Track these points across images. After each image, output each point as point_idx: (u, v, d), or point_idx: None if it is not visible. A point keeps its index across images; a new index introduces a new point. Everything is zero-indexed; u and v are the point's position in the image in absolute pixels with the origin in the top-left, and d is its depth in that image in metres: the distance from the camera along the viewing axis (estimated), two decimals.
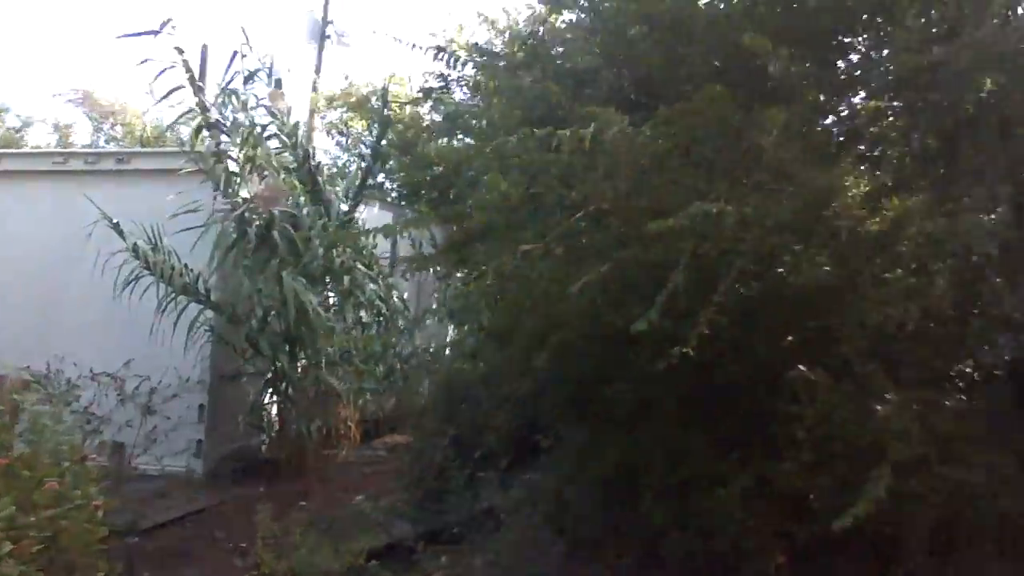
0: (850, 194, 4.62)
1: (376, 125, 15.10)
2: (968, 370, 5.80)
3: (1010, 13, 5.52)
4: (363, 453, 11.05)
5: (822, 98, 6.08)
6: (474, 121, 8.32)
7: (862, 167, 5.62)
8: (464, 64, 7.61)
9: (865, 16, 6.18)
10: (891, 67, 6.08)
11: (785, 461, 5.07)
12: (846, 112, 6.24)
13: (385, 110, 12.90)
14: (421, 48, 7.05)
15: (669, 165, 5.29)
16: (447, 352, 10.06)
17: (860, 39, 6.38)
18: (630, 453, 5.22)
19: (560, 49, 8.47)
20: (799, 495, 5.08)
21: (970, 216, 5.12)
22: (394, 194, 15.87)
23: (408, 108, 15.63)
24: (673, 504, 5.26)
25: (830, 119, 5.78)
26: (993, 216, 5.43)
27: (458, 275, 7.40)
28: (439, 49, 6.93)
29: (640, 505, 5.27)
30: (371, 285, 10.95)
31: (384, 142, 11.69)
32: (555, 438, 6.53)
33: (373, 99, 22.75)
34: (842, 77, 5.63)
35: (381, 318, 11.08)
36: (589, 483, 5.47)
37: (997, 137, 5.99)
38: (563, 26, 8.74)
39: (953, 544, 4.92)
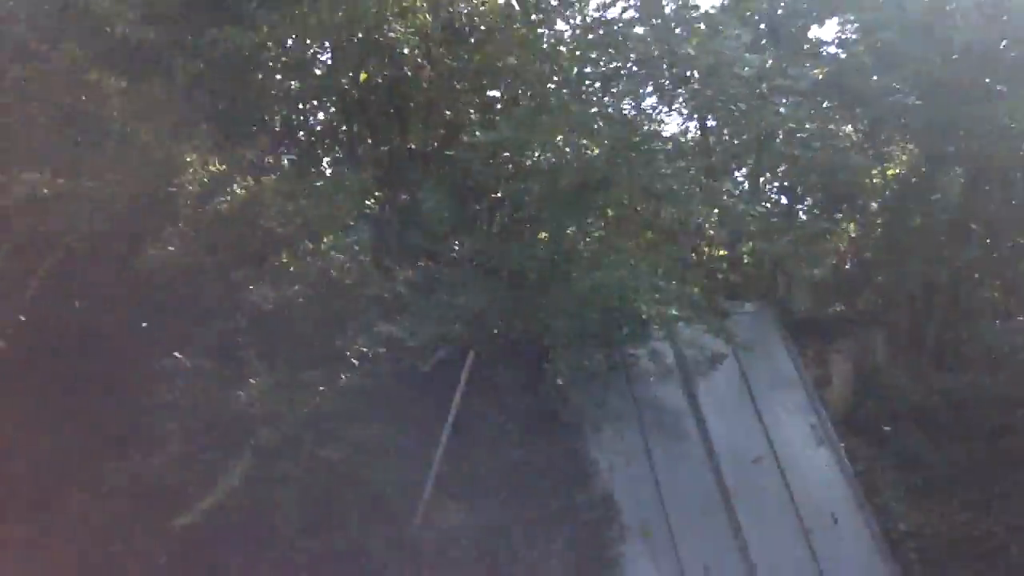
0: (191, 170, 4.40)
1: None
2: (364, 349, 6.00)
3: None
4: None
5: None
6: None
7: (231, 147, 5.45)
8: None
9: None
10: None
11: (157, 455, 4.76)
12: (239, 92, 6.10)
13: None
14: None
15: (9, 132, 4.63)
16: None
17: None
18: None
19: None
20: (173, 489, 4.77)
21: (341, 199, 5.28)
22: None
23: None
24: (40, 518, 4.65)
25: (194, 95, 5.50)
26: (371, 200, 5.70)
27: None
28: None
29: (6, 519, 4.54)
30: None
31: None
32: None
33: None
34: (220, 56, 5.38)
35: None
36: None
37: (384, 123, 6.38)
38: None
39: (327, 520, 5.00)
